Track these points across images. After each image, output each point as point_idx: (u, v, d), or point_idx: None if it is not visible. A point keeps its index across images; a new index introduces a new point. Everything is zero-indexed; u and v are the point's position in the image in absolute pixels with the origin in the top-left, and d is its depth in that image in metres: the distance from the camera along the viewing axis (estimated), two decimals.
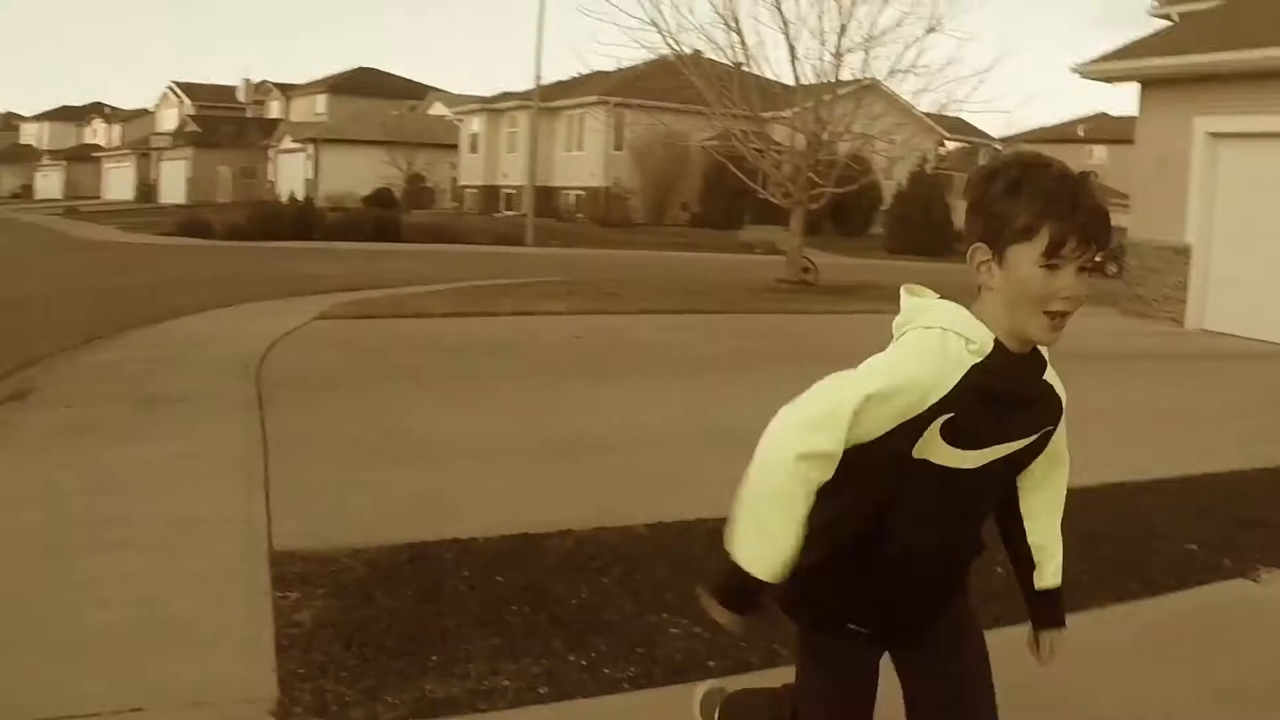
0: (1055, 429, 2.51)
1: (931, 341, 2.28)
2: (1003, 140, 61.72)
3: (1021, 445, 2.41)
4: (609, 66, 34.90)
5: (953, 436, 2.28)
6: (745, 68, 22.00)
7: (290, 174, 64.45)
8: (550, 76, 54.61)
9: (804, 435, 2.25)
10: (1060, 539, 2.68)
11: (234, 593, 4.58)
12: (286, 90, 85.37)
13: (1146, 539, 5.94)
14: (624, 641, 4.21)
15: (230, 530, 5.37)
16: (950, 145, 58.03)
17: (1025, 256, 2.24)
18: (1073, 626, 4.28)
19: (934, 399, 2.23)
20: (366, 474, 6.54)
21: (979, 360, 2.26)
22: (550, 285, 19.32)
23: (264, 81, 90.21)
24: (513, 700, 3.72)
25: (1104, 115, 59.61)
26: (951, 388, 2.24)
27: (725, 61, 22.04)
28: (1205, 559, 5.68)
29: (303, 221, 36.99)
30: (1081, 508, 6.20)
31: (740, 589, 2.32)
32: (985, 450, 2.34)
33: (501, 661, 3.98)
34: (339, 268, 22.64)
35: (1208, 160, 16.74)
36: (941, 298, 2.41)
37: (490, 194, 56.88)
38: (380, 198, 52.71)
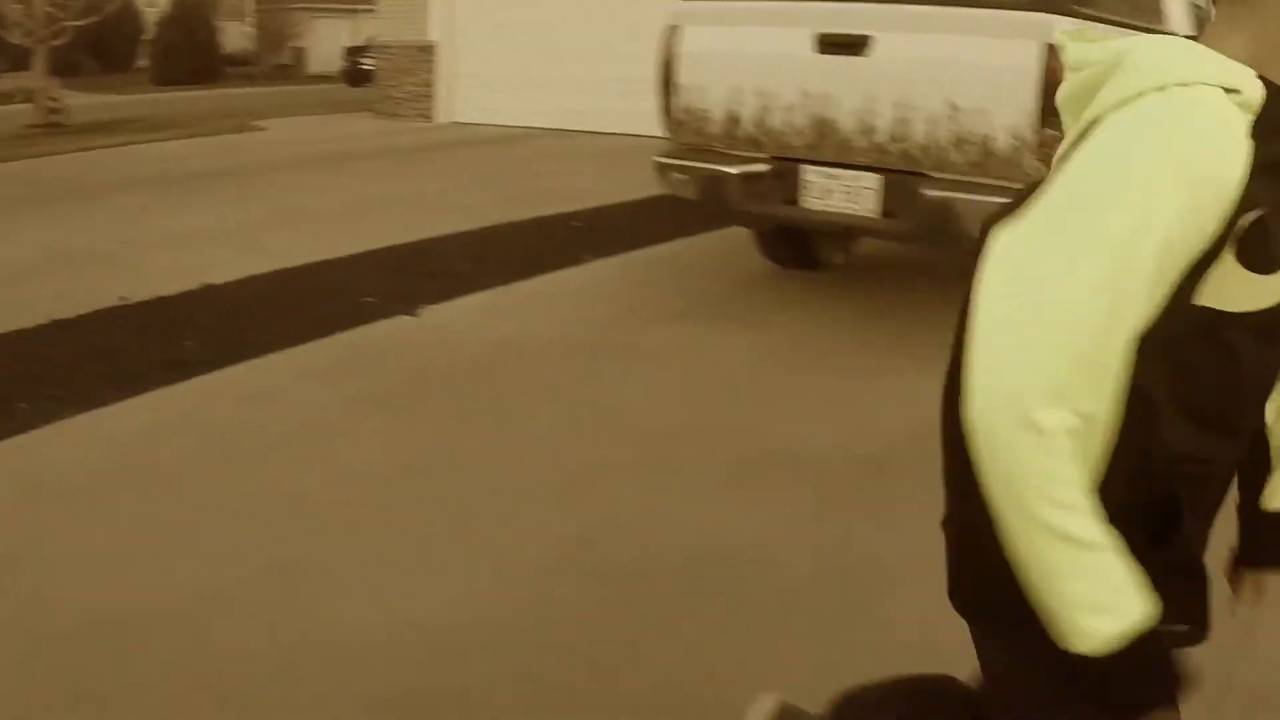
0: None
1: (1210, 104, 1.31)
2: None
3: None
4: None
5: (1253, 252, 1.34)
6: None
7: None
8: None
9: (1042, 409, 1.27)
10: None
11: None
12: None
13: (329, 297, 7.12)
14: None
15: None
16: None
17: None
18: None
19: (1231, 194, 1.30)
20: None
21: (1252, 119, 1.33)
22: None
23: None
24: None
25: None
26: (1245, 171, 1.30)
27: None
28: (381, 307, 6.93)
29: None
30: (280, 285, 7.33)
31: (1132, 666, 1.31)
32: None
33: None
34: None
35: None
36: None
37: None
38: None
